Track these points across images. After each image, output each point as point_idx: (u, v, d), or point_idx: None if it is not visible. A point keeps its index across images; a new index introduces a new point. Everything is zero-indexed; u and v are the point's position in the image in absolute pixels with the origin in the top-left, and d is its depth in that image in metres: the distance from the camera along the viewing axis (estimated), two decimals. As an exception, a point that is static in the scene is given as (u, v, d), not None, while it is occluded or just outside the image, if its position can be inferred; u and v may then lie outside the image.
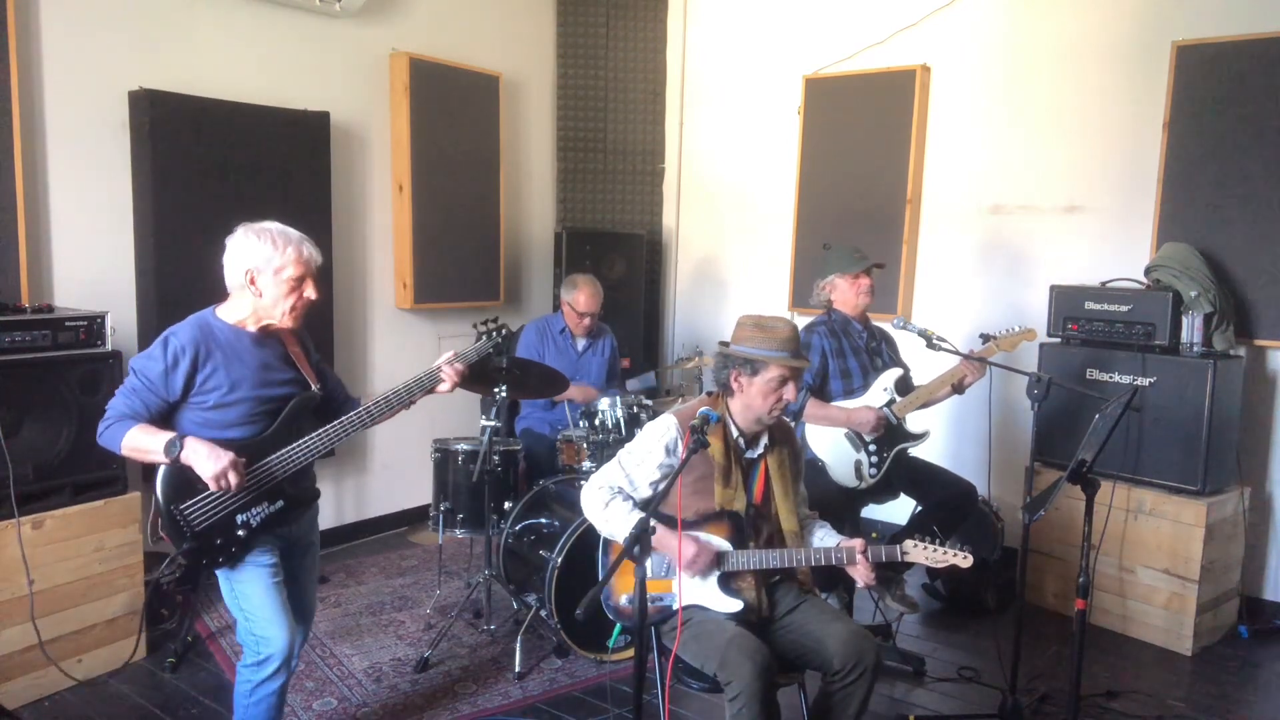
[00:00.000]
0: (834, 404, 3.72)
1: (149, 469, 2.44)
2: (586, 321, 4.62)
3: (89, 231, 3.91)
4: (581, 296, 4.57)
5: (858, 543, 2.66)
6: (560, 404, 4.48)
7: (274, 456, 2.52)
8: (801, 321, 5.35)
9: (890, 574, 3.90)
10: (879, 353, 3.87)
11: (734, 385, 2.70)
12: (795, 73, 5.47)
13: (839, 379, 3.75)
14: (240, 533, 2.49)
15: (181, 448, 2.36)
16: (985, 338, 3.64)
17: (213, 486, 2.37)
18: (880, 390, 3.75)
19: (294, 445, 2.55)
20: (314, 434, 2.57)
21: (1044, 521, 4.01)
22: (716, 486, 2.68)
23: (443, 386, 2.76)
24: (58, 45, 3.75)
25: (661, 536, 2.59)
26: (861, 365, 3.78)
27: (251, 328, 2.54)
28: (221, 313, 2.54)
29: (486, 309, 3.69)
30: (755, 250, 5.84)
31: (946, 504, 3.79)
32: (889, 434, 3.71)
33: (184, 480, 2.40)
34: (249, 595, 2.55)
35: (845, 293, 3.81)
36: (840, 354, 3.76)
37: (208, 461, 2.35)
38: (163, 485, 2.40)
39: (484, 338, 3.06)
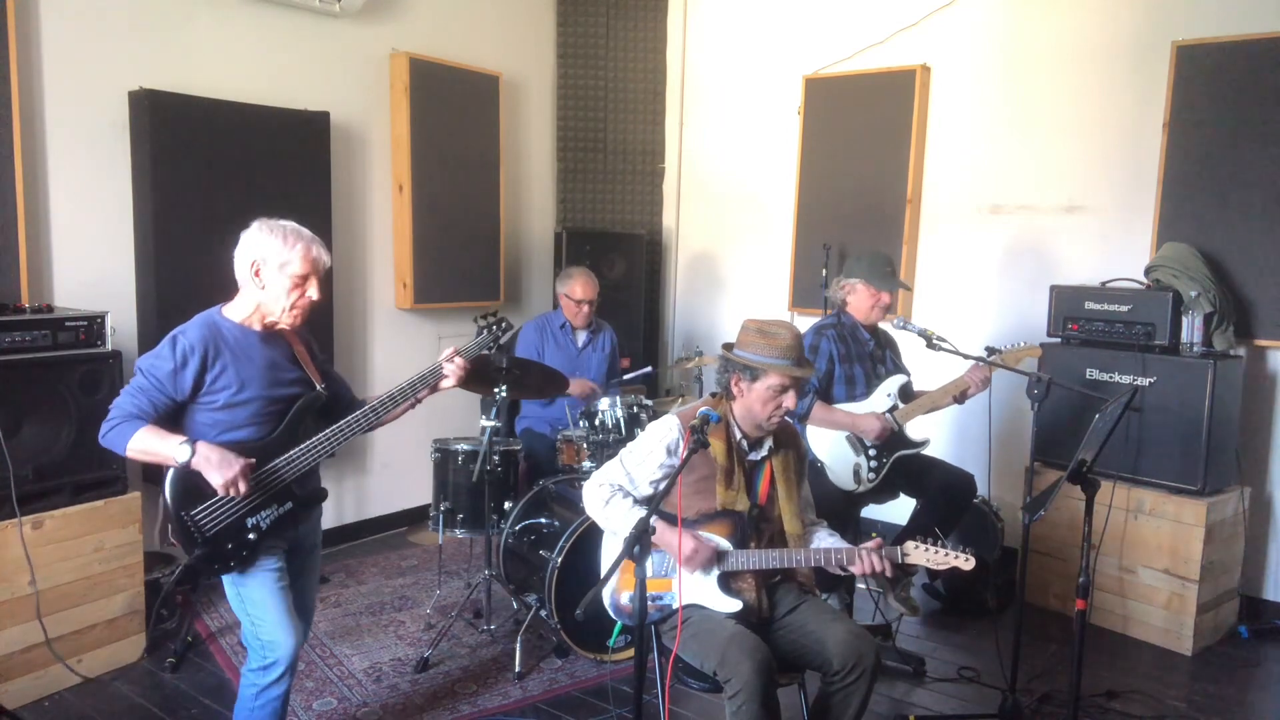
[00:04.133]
0: (839, 408, 3.72)
1: (150, 470, 2.44)
2: (585, 309, 4.63)
3: (89, 231, 3.91)
4: (577, 285, 4.59)
5: (873, 543, 2.64)
6: (558, 400, 4.48)
7: (281, 459, 2.51)
8: (801, 322, 5.32)
9: (899, 571, 3.90)
10: (883, 360, 3.87)
11: (734, 390, 2.71)
12: (795, 73, 5.47)
13: (843, 384, 3.76)
14: (251, 536, 2.48)
15: (193, 453, 2.35)
16: (991, 351, 3.64)
17: (222, 493, 2.37)
18: (884, 395, 3.75)
19: (301, 447, 2.54)
20: (320, 435, 2.56)
21: (1044, 521, 4.02)
22: (718, 488, 2.68)
23: (446, 382, 2.76)
24: (58, 45, 3.75)
25: (661, 533, 2.60)
26: (865, 372, 3.79)
27: (257, 326, 2.53)
28: (228, 311, 2.54)
29: (486, 309, 3.70)
30: (755, 250, 5.83)
31: (946, 495, 3.78)
32: (890, 440, 3.72)
33: (193, 485, 2.39)
34: (255, 600, 2.54)
35: (862, 300, 3.79)
36: (847, 360, 3.76)
37: (219, 469, 2.35)
38: (172, 491, 2.39)
39: (484, 332, 3.07)
